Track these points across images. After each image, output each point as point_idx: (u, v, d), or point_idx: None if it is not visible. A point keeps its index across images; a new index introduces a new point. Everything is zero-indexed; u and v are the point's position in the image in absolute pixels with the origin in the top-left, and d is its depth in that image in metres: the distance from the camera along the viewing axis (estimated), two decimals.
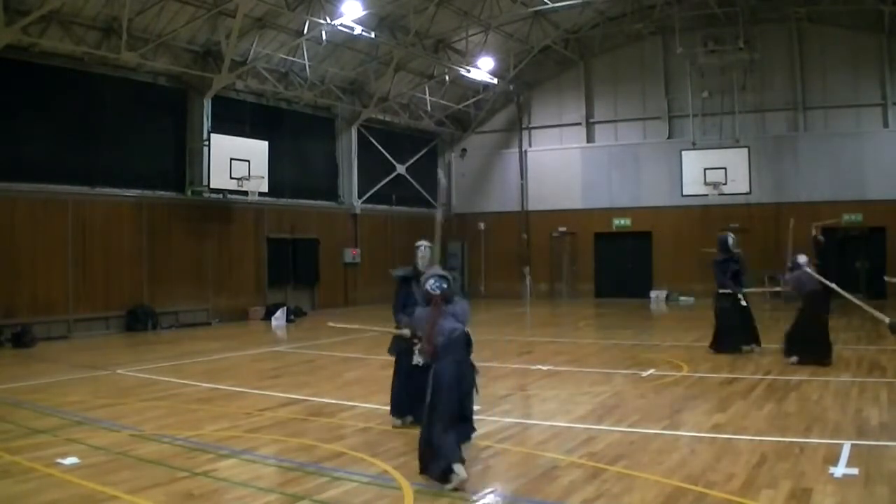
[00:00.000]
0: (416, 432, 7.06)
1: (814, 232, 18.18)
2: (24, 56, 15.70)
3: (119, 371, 11.40)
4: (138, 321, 17.43)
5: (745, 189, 22.75)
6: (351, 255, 23.81)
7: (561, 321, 20.20)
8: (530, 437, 7.01)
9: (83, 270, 16.75)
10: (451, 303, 6.19)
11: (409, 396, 7.22)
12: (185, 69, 18.46)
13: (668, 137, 25.30)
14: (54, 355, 13.45)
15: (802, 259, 11.23)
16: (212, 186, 18.82)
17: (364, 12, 18.13)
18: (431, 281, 6.23)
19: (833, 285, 8.74)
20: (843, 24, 22.83)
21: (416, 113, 26.13)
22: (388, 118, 25.29)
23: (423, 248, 7.60)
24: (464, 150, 28.79)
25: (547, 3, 20.90)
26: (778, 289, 14.67)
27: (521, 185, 27.51)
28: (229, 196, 19.50)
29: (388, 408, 8.32)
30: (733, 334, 12.02)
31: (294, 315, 20.18)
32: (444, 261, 27.59)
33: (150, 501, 5.16)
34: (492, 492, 5.30)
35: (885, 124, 22.65)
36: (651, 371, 10.59)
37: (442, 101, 26.20)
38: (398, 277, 7.62)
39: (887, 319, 6.55)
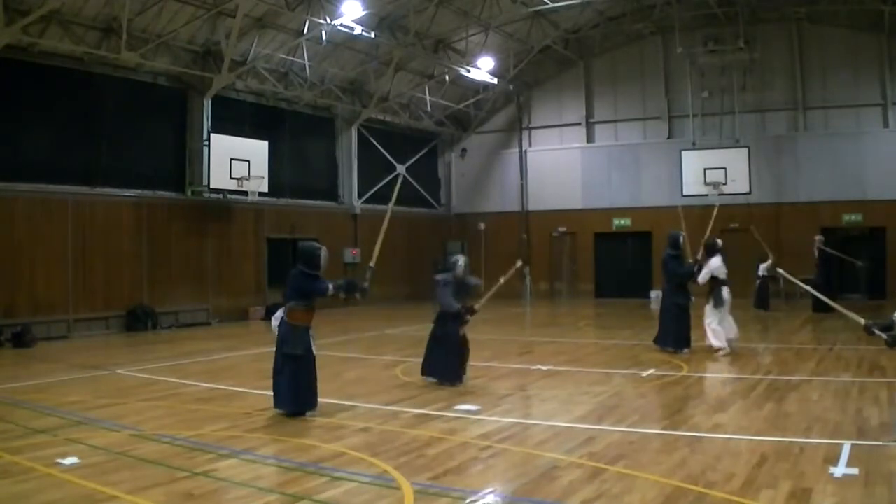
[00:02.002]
0: (414, 433, 7.08)
1: (817, 245, 18.57)
2: (24, 56, 15.70)
3: (119, 371, 11.39)
4: (138, 321, 17.42)
5: (745, 189, 22.75)
6: (351, 255, 23.80)
7: (561, 321, 20.20)
8: (530, 437, 7.01)
9: (83, 270, 16.74)
10: None
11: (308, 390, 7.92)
12: (185, 69, 18.46)
13: (668, 137, 25.30)
14: (54, 355, 13.44)
15: None
16: (212, 186, 18.81)
17: (364, 12, 18.12)
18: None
19: (808, 288, 8.80)
20: (843, 24, 22.83)
21: (416, 113, 26.13)
22: (388, 118, 25.29)
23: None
24: (464, 150, 28.80)
25: (547, 3, 20.90)
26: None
27: (521, 185, 27.51)
28: (229, 196, 19.49)
29: (388, 407, 8.33)
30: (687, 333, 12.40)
31: None
32: (443, 261, 27.67)
33: (150, 501, 5.16)
34: (492, 492, 5.30)
35: (885, 124, 22.65)
36: (651, 371, 10.59)
37: (442, 101, 26.20)
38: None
39: (863, 321, 6.58)
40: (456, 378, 9.57)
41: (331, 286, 7.89)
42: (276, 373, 7.89)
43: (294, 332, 7.81)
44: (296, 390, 7.78)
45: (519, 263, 10.39)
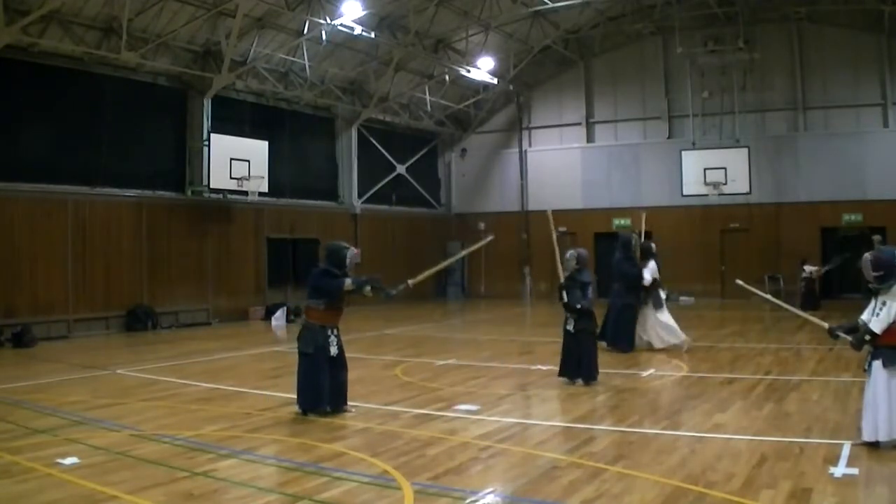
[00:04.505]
0: (414, 433, 7.07)
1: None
2: (24, 56, 15.69)
3: (119, 371, 11.40)
4: (138, 321, 17.42)
5: (745, 189, 22.73)
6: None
7: (561, 321, 20.16)
8: (530, 437, 7.01)
9: (83, 270, 16.74)
10: None
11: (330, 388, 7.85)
12: (185, 69, 18.45)
13: (668, 137, 25.28)
14: (54, 355, 13.45)
15: None
16: (212, 186, 18.80)
17: (364, 12, 18.12)
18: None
19: (769, 297, 8.85)
20: (843, 24, 22.81)
21: (416, 113, 26.12)
22: (388, 118, 25.28)
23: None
24: (464, 150, 28.78)
25: (547, 3, 20.89)
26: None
27: (521, 185, 27.50)
28: (229, 196, 19.47)
29: (388, 407, 8.32)
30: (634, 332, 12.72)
31: (294, 315, 20.14)
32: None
33: (150, 501, 5.16)
34: (492, 492, 5.30)
35: (885, 124, 22.62)
36: (651, 371, 10.59)
37: (442, 101, 26.19)
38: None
39: (826, 325, 6.61)
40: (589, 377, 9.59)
41: (348, 281, 7.74)
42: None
43: (308, 331, 7.86)
44: (303, 388, 7.80)
45: (490, 237, 10.50)
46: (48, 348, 14.48)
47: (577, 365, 9.61)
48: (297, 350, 7.96)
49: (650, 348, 12.53)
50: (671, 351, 12.35)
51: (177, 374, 10.91)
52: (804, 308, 18.97)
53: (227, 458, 6.27)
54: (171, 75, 18.74)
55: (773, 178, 23.57)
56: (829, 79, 23.20)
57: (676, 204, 24.08)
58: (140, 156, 18.16)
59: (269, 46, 19.70)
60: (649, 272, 12.64)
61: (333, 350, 7.82)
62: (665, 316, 12.60)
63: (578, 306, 9.65)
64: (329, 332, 7.84)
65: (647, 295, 12.62)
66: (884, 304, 6.12)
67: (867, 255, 6.29)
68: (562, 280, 9.93)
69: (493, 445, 6.60)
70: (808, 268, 19.64)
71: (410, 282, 8.08)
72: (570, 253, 9.98)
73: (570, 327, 9.71)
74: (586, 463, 5.97)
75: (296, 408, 7.96)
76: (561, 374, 9.77)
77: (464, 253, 9.94)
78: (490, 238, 10.41)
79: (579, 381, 9.55)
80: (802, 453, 6.09)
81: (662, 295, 12.77)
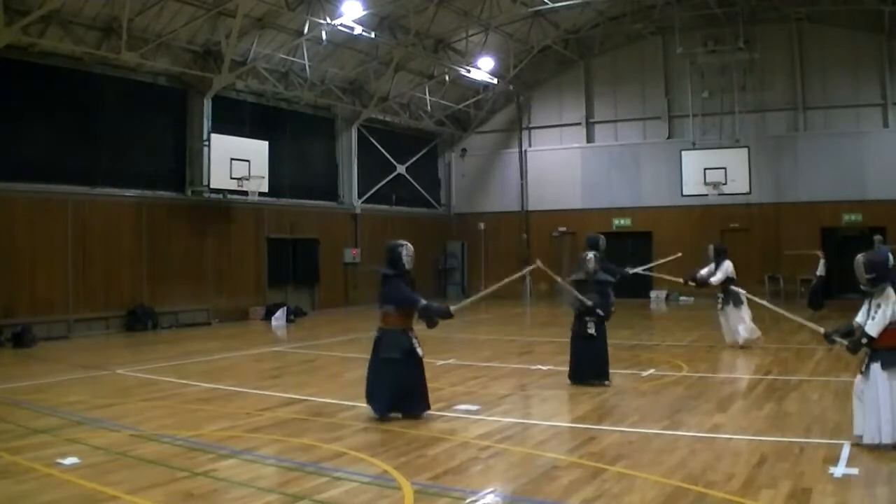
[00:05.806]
0: (414, 433, 7.08)
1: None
2: (24, 56, 15.68)
3: (119, 371, 11.40)
4: (138, 321, 17.41)
5: (745, 189, 22.74)
6: (351, 255, 23.80)
7: (561, 321, 20.06)
8: (530, 437, 7.01)
9: (83, 270, 16.73)
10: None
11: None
12: (185, 69, 18.45)
13: (668, 137, 25.30)
14: (54, 355, 13.44)
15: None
16: (212, 186, 18.79)
17: (364, 12, 18.13)
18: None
19: (764, 302, 8.88)
20: (843, 24, 22.83)
21: (416, 113, 26.12)
22: (388, 118, 25.27)
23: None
24: (464, 150, 28.79)
25: (547, 3, 20.90)
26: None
27: (521, 185, 27.51)
28: (229, 196, 19.47)
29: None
30: None
31: (294, 315, 20.17)
32: (441, 261, 27.64)
33: (150, 501, 5.17)
34: (492, 492, 5.30)
35: (885, 124, 22.63)
36: (651, 371, 10.59)
37: (442, 101, 26.19)
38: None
39: (822, 330, 6.60)
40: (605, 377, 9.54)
41: (422, 302, 7.70)
42: (372, 374, 7.76)
43: (388, 336, 7.71)
44: (399, 394, 7.61)
45: (538, 263, 9.88)
46: (48, 348, 14.47)
47: (591, 366, 9.48)
48: (378, 358, 7.70)
49: (735, 346, 12.57)
50: (751, 347, 12.46)
51: (177, 374, 10.91)
52: (812, 306, 19.13)
53: (227, 458, 6.27)
54: (171, 75, 18.73)
55: (773, 178, 23.59)
56: (829, 79, 23.22)
57: (676, 204, 24.11)
58: (140, 156, 18.16)
59: (269, 46, 19.70)
60: (722, 272, 12.74)
61: (420, 351, 7.77)
62: (744, 313, 12.63)
63: (591, 305, 9.46)
64: (410, 335, 7.75)
65: (727, 295, 12.68)
66: (878, 306, 6.09)
67: (859, 257, 6.24)
68: (567, 282, 9.81)
69: (493, 445, 6.60)
70: (820, 266, 19.59)
71: (471, 298, 8.35)
72: (589, 255, 9.82)
73: (591, 330, 9.48)
74: (586, 463, 5.97)
75: (373, 414, 7.67)
76: (577, 379, 9.53)
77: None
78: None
79: (606, 382, 9.42)
80: (802, 453, 6.10)
81: (742, 292, 12.62)
